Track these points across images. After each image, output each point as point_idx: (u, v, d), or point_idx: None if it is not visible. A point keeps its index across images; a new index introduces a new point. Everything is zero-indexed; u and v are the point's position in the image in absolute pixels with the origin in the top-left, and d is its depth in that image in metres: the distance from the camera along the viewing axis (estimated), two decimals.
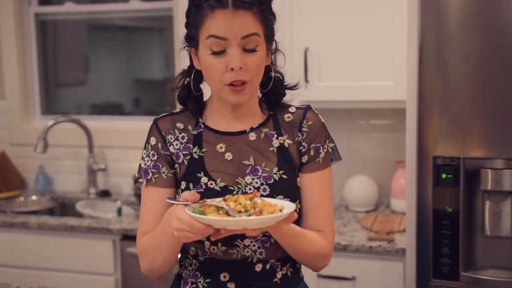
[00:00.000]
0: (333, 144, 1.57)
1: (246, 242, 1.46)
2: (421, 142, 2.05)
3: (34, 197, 3.33)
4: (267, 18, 1.44)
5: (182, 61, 2.81)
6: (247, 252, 1.46)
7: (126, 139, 3.30)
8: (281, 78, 1.56)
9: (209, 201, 1.34)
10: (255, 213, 1.28)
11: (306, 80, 2.62)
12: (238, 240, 1.45)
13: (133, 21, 3.66)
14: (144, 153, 1.54)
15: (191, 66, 1.53)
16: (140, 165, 1.54)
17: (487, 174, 1.98)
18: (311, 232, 1.49)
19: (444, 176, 2.01)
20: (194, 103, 1.53)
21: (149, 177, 1.50)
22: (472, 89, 1.98)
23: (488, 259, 2.06)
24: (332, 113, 2.96)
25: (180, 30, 2.82)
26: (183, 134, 1.51)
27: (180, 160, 1.50)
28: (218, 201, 1.34)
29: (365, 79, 2.58)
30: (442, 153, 2.02)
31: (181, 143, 1.51)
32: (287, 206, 1.33)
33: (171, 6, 3.19)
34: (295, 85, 1.58)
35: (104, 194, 3.28)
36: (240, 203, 1.30)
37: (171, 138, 1.51)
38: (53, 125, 3.19)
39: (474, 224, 2.06)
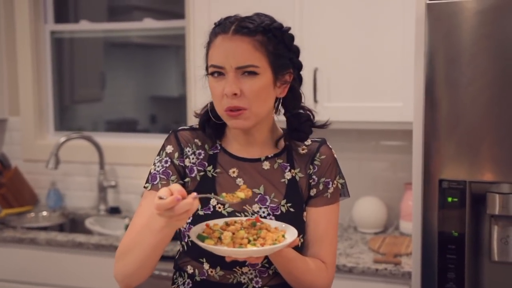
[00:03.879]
0: (343, 181, 1.57)
1: (244, 269, 1.46)
2: (427, 164, 2.03)
3: (44, 213, 3.36)
4: (274, 47, 1.41)
5: (193, 80, 2.84)
6: (244, 279, 1.46)
7: (137, 156, 3.31)
8: (310, 115, 1.53)
9: (211, 224, 1.35)
10: (259, 242, 1.30)
11: (315, 100, 2.61)
12: (237, 267, 1.45)
13: (150, 39, 3.70)
14: (157, 159, 1.52)
15: None
16: (150, 172, 1.51)
17: (495, 199, 1.94)
18: (309, 260, 1.48)
19: (450, 199, 1.98)
20: (212, 130, 1.52)
21: (155, 182, 1.48)
22: (479, 112, 1.95)
23: (495, 285, 2.02)
24: (343, 133, 2.94)
25: (192, 49, 2.84)
26: (200, 150, 1.51)
27: (193, 175, 1.49)
28: (220, 225, 1.35)
29: (374, 100, 2.57)
30: (448, 176, 1.99)
31: (198, 158, 1.51)
32: (289, 232, 1.35)
33: (183, 25, 3.21)
34: (324, 125, 1.55)
35: (114, 211, 3.29)
36: (241, 235, 1.32)
37: (188, 151, 1.51)
38: (65, 141, 3.22)
39: (481, 249, 2.02)
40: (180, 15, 3.27)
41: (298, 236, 1.41)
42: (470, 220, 1.98)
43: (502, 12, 1.92)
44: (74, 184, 3.47)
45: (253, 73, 1.39)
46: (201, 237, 1.31)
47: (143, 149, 3.31)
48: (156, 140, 3.29)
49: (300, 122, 1.51)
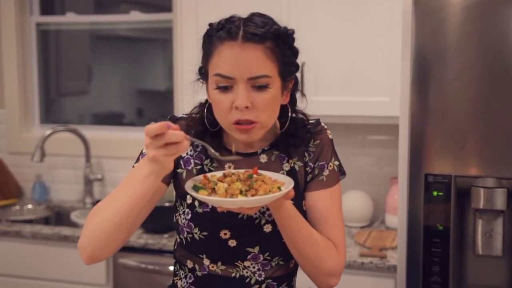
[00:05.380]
0: (338, 163, 1.51)
1: (247, 263, 1.44)
2: (413, 159, 2.04)
3: (30, 206, 3.34)
4: (282, 54, 1.35)
5: (180, 74, 2.83)
6: (247, 272, 1.45)
7: (124, 149, 3.30)
8: (305, 120, 1.48)
9: (209, 175, 1.34)
10: (250, 192, 1.26)
11: (303, 94, 2.61)
12: (239, 261, 1.44)
13: (137, 32, 3.68)
14: None
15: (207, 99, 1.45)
16: (141, 151, 1.46)
17: (479, 193, 1.96)
18: (316, 231, 1.41)
19: (435, 193, 2.00)
20: (211, 139, 1.44)
21: None
22: (464, 107, 1.97)
23: (478, 278, 2.04)
24: (330, 127, 2.93)
25: (179, 42, 2.83)
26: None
27: (190, 167, 1.46)
28: (218, 177, 1.33)
29: (361, 95, 2.58)
30: (434, 171, 2.01)
31: (195, 151, 1.47)
32: (287, 183, 1.31)
33: (170, 18, 3.20)
34: (319, 130, 1.49)
35: None
36: (236, 186, 1.28)
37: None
38: (50, 134, 3.20)
39: (465, 242, 2.04)
40: (167, 8, 3.26)
41: None
42: (455, 214, 2.00)
43: (488, 8, 1.94)
44: (60, 177, 3.46)
45: (265, 84, 1.32)
46: (196, 188, 1.29)
47: (130, 143, 3.30)
48: (142, 134, 3.28)
49: (296, 128, 1.46)
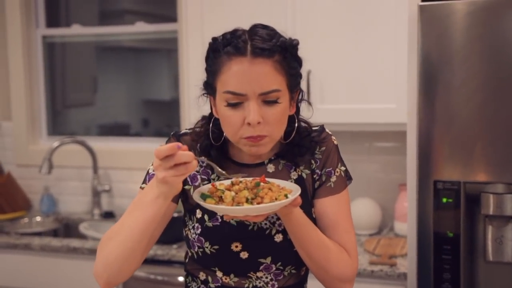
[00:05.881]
0: (345, 168, 1.51)
1: (259, 274, 1.44)
2: (421, 166, 2.04)
3: (38, 218, 3.35)
4: (290, 67, 1.35)
5: (186, 84, 2.83)
6: (260, 283, 1.45)
7: (131, 160, 3.31)
8: (308, 129, 1.48)
9: (217, 184, 1.34)
10: (256, 200, 1.26)
11: (309, 103, 2.60)
12: (252, 272, 1.44)
13: (141, 42, 3.70)
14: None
15: (212, 113, 1.45)
16: (147, 171, 1.46)
17: (489, 199, 1.95)
18: (327, 238, 1.41)
19: (444, 200, 1.99)
20: (217, 153, 1.44)
21: None
22: (472, 113, 1.97)
23: (490, 284, 2.03)
24: (336, 135, 2.92)
25: (185, 52, 2.83)
26: (203, 157, 1.42)
27: (197, 183, 1.46)
28: (226, 185, 1.33)
29: (368, 102, 2.57)
30: (442, 177, 2.00)
31: (201, 166, 1.47)
32: (294, 190, 1.31)
33: (176, 28, 3.21)
34: (324, 137, 1.49)
35: (108, 215, 3.28)
36: (243, 194, 1.28)
37: None
38: (58, 146, 3.21)
39: (476, 249, 2.03)
40: (172, 18, 3.27)
41: None
42: (465, 220, 1.99)
43: (492, 13, 1.93)
44: (68, 189, 3.46)
45: (275, 99, 1.32)
46: (203, 196, 1.29)
47: (136, 153, 3.30)
48: (149, 144, 3.32)
49: (300, 137, 1.46)
